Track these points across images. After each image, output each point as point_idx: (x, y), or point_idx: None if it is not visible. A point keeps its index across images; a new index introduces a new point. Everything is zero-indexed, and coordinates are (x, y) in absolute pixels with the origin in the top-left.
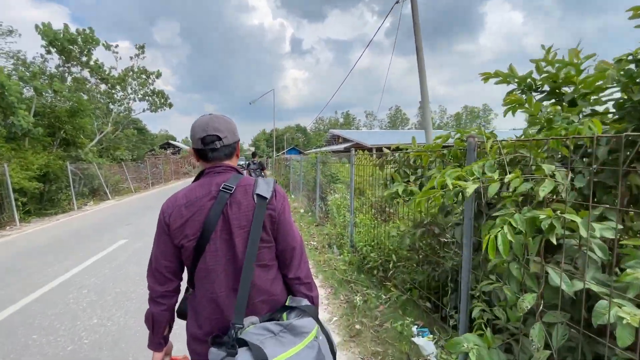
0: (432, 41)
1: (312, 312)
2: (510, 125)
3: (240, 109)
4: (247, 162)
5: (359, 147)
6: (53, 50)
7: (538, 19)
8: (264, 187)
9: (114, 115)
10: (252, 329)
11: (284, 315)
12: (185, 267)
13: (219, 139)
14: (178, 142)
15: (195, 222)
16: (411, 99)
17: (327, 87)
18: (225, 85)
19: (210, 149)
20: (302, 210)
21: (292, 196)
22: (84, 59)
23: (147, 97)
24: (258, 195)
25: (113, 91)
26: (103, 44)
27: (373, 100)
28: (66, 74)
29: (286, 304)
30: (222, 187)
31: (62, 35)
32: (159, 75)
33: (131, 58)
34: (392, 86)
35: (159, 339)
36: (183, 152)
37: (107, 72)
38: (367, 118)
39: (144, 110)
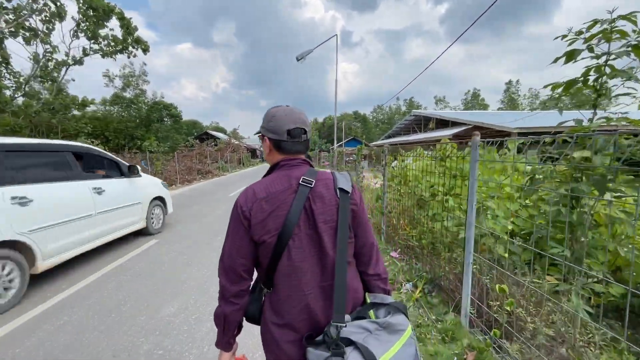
0: (497, 25)
1: (404, 309)
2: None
3: (291, 101)
4: None
5: (479, 130)
6: None
7: None
8: (344, 181)
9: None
10: (349, 327)
11: (371, 312)
12: (261, 266)
13: (305, 132)
14: (227, 134)
15: (277, 216)
16: (479, 85)
17: (378, 78)
18: (278, 80)
19: (296, 141)
20: None
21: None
22: None
23: (88, 30)
24: (341, 189)
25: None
26: None
27: (428, 91)
28: None
29: (367, 301)
30: (302, 181)
31: None
32: None
33: None
34: (452, 75)
35: (228, 339)
36: (221, 143)
37: None
38: (437, 105)
39: (85, 53)
